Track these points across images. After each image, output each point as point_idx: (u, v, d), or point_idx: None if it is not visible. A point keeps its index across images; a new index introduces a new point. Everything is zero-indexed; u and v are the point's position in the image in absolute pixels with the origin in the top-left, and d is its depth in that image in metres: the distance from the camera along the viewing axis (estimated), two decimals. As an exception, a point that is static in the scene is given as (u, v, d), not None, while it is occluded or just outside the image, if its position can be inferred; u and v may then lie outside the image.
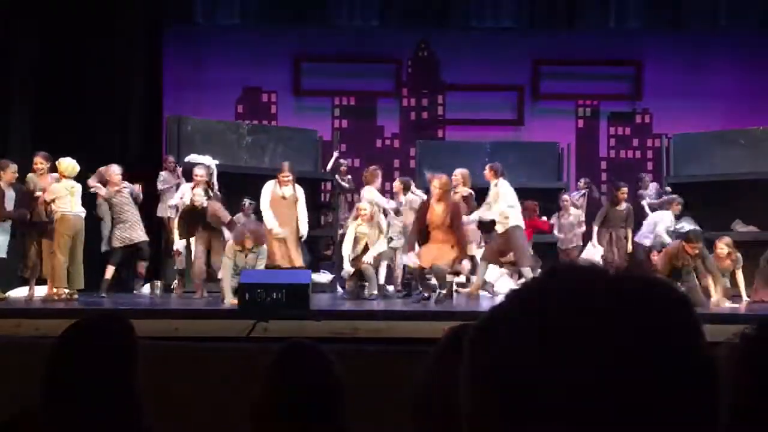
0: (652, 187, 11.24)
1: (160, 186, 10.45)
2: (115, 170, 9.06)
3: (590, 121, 13.55)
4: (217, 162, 10.80)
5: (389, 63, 13.44)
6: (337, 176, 11.60)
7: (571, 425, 0.67)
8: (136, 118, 11.21)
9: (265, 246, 8.63)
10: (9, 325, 6.29)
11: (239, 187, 10.53)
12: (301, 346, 2.27)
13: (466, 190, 9.29)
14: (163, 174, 10.50)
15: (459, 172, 9.23)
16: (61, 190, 8.18)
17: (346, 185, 11.65)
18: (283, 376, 2.15)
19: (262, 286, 6.92)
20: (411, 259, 7.90)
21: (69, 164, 8.28)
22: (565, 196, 10.69)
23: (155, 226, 10.37)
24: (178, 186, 10.42)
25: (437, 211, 7.98)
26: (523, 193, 10.75)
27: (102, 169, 9.18)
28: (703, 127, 12.14)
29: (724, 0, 11.48)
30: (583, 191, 11.81)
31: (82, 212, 8.33)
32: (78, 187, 8.35)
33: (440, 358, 1.48)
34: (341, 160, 11.89)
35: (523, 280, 9.35)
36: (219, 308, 7.63)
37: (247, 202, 10.32)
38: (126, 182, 9.13)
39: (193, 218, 8.90)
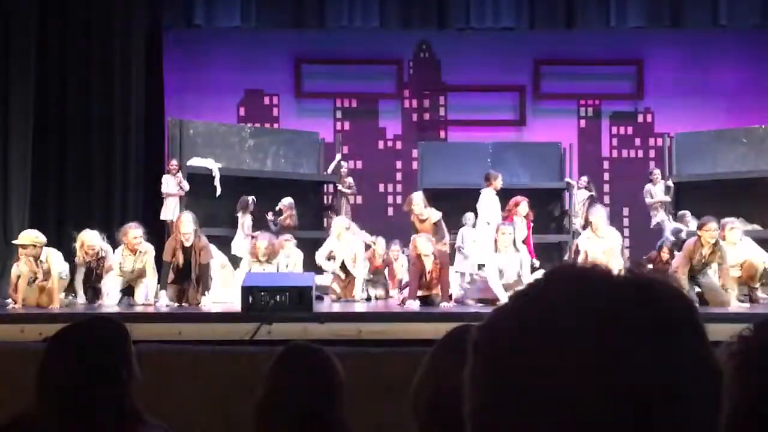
0: (661, 184, 11.22)
1: (163, 190, 10.47)
2: (90, 239, 8.09)
3: (592, 120, 13.55)
4: (219, 165, 10.83)
5: (390, 64, 13.45)
6: (339, 184, 11.63)
7: (574, 427, 0.67)
8: (138, 121, 11.22)
9: (296, 253, 8.67)
10: (13, 331, 6.30)
11: (242, 190, 10.55)
12: (302, 347, 2.28)
13: (435, 215, 9.04)
14: (166, 178, 10.52)
15: (419, 198, 8.97)
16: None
17: (346, 190, 11.66)
18: (284, 377, 2.16)
19: (265, 289, 6.92)
20: (415, 305, 7.90)
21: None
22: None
23: (159, 229, 10.39)
24: (180, 188, 10.45)
25: (428, 267, 8.03)
26: (525, 194, 10.74)
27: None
28: (705, 125, 12.13)
29: (724, -2, 11.48)
30: (588, 195, 11.76)
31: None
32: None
33: (441, 358, 1.48)
34: (343, 162, 11.91)
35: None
36: (222, 311, 7.63)
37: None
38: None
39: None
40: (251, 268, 8.40)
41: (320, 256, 8.80)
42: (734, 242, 8.25)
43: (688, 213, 10.49)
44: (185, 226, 7.95)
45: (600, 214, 8.52)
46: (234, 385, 4.13)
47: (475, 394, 0.73)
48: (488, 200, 9.48)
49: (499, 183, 9.64)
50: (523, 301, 0.74)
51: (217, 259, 8.65)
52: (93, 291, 8.14)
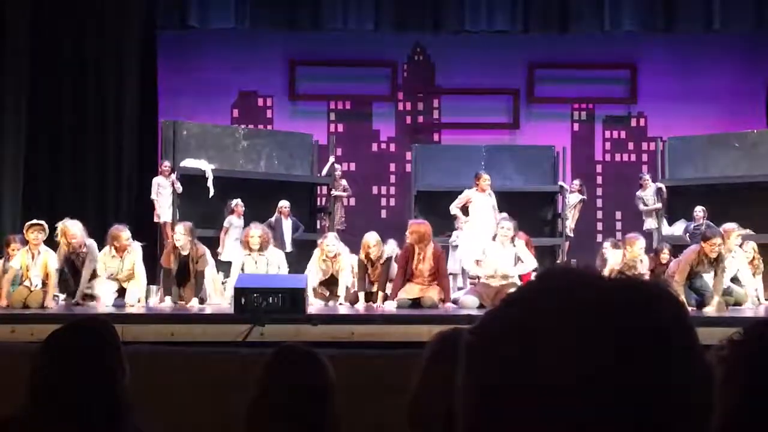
0: (653, 187, 11.26)
1: (154, 193, 10.44)
2: (71, 227, 8.00)
3: (585, 124, 13.58)
4: (213, 166, 10.82)
5: (384, 67, 13.46)
6: (333, 188, 11.62)
7: (569, 428, 0.68)
8: (131, 123, 11.20)
9: (278, 252, 8.60)
10: (4, 331, 6.27)
11: (235, 191, 10.54)
12: (292, 349, 2.28)
13: (386, 254, 8.63)
14: (157, 180, 10.50)
15: (375, 241, 8.39)
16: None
17: (341, 193, 11.65)
18: (275, 379, 2.16)
19: (257, 290, 6.90)
20: (403, 297, 7.83)
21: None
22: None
23: (152, 231, 10.37)
24: (173, 191, 10.43)
25: (420, 257, 7.99)
26: (518, 197, 10.76)
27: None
28: (697, 130, 12.17)
29: (717, 3, 11.50)
30: (580, 198, 11.78)
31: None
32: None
33: (434, 363, 1.48)
34: (336, 165, 11.91)
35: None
36: (215, 313, 7.62)
37: (237, 202, 10.29)
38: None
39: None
40: (244, 263, 8.35)
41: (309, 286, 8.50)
42: (731, 249, 8.31)
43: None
44: (177, 237, 8.07)
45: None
46: (226, 387, 4.12)
47: (467, 397, 0.73)
48: (462, 195, 9.68)
49: (483, 184, 9.66)
50: (514, 304, 0.74)
51: (211, 263, 8.64)
52: (69, 290, 8.07)
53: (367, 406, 3.65)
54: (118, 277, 8.11)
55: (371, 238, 8.32)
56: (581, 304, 0.70)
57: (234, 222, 10.16)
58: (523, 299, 0.74)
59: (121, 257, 8.03)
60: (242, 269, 8.25)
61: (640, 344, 0.69)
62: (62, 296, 8.06)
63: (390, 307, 7.80)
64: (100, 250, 8.18)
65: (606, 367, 0.67)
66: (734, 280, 8.51)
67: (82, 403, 2.02)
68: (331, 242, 8.50)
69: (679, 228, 11.05)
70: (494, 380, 0.70)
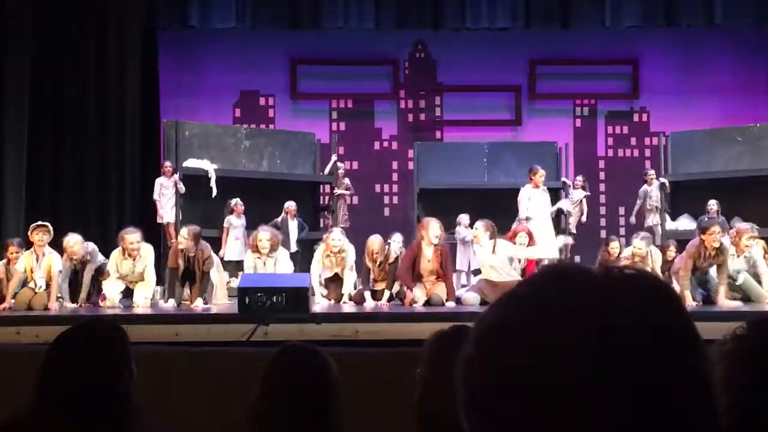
0: (656, 183, 11.24)
1: (157, 193, 10.44)
2: (72, 244, 7.97)
3: (588, 120, 13.57)
4: (215, 166, 10.83)
5: (386, 65, 13.45)
6: (336, 186, 11.62)
7: (569, 427, 0.68)
8: (133, 123, 11.21)
9: (283, 251, 8.58)
10: (9, 333, 6.29)
11: (238, 191, 10.55)
12: (296, 348, 2.28)
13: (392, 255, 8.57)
14: (160, 180, 10.50)
15: (379, 246, 8.43)
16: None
17: (344, 191, 11.66)
18: (279, 378, 2.16)
19: (261, 290, 6.91)
20: (417, 295, 7.82)
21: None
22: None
23: (155, 232, 10.38)
24: (176, 191, 10.43)
25: (428, 256, 8.00)
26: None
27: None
28: (700, 124, 12.16)
29: (718, -3, 11.51)
30: (583, 194, 11.76)
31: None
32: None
33: (437, 360, 1.48)
34: (339, 163, 11.91)
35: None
36: (219, 313, 7.62)
37: (236, 201, 10.28)
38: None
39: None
40: (254, 264, 8.35)
41: (314, 281, 8.36)
42: (743, 251, 8.26)
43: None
44: (181, 241, 8.03)
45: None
46: (230, 387, 4.12)
47: (468, 396, 0.73)
48: (523, 196, 9.61)
49: (539, 178, 9.65)
50: (513, 302, 0.74)
51: (217, 263, 8.64)
52: (74, 293, 8.08)
53: (372, 404, 3.65)
54: (128, 279, 8.10)
55: (375, 243, 8.29)
56: (581, 302, 0.70)
57: (233, 222, 10.17)
58: (523, 297, 0.74)
59: (134, 259, 8.01)
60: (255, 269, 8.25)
61: (641, 342, 0.69)
62: (71, 305, 8.03)
63: (421, 302, 7.72)
64: (105, 253, 8.18)
65: (606, 366, 0.67)
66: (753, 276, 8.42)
67: (89, 404, 2.02)
68: (336, 236, 8.47)
69: (682, 224, 11.03)
70: (494, 380, 0.70)
